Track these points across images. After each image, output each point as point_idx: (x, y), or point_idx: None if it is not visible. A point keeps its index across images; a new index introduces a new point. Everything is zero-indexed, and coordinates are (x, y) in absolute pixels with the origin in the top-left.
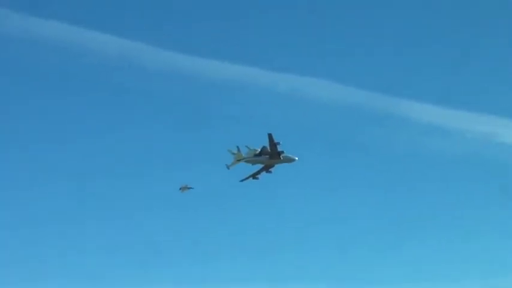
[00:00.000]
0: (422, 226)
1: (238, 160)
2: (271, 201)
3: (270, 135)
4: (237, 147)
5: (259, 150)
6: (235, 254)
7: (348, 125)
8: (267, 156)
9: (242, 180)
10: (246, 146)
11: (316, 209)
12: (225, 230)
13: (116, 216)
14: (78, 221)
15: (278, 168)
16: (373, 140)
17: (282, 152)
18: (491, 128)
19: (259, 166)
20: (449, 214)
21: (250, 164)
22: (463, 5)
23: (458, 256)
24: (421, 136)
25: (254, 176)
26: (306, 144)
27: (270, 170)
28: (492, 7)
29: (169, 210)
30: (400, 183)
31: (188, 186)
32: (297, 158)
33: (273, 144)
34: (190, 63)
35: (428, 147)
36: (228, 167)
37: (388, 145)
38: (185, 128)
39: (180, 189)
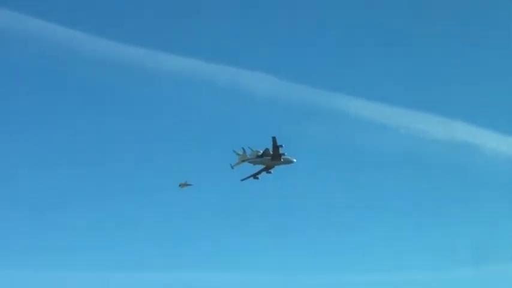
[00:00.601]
0: (359, 219)
1: (243, 161)
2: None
3: (274, 138)
4: (243, 148)
5: (261, 152)
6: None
7: (287, 119)
8: (269, 157)
9: (243, 180)
10: (250, 148)
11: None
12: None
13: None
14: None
15: (277, 169)
16: (313, 135)
17: (283, 154)
18: (425, 126)
19: (261, 167)
20: (383, 207)
21: (252, 164)
22: (398, 3)
23: (395, 247)
24: (358, 131)
25: (255, 175)
26: (245, 139)
27: (270, 170)
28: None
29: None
30: (339, 177)
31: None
32: (295, 160)
33: (275, 147)
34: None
35: (365, 142)
36: (232, 167)
37: (327, 140)
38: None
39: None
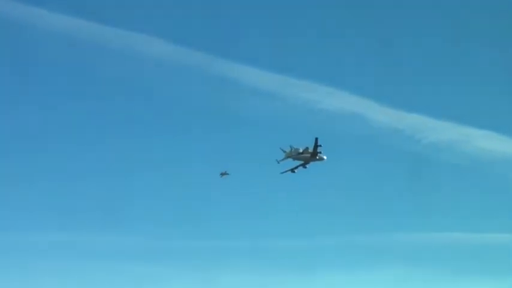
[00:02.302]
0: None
1: (288, 157)
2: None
3: (316, 139)
4: (290, 146)
5: (301, 149)
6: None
7: (181, 84)
8: (308, 155)
9: (282, 173)
10: (291, 146)
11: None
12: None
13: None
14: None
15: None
16: (200, 98)
17: (320, 152)
18: (314, 95)
19: (298, 162)
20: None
21: (292, 160)
22: None
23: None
24: (251, 99)
25: (293, 170)
26: (140, 102)
27: (306, 166)
28: None
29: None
30: (234, 145)
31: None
32: (325, 158)
33: (316, 146)
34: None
35: (256, 110)
36: (278, 162)
37: (221, 107)
38: None
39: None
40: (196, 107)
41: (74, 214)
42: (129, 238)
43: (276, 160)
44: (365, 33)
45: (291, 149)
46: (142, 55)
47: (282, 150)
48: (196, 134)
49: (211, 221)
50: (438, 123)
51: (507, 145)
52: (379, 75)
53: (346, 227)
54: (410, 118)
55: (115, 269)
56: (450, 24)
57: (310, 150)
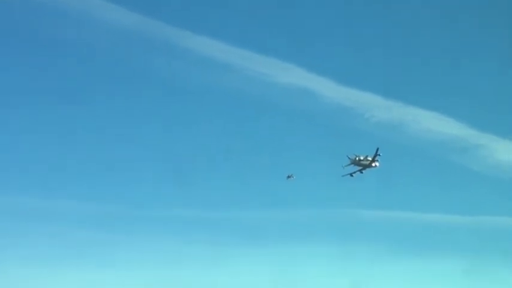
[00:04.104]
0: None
1: (353, 163)
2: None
3: (377, 149)
4: (355, 154)
5: (362, 157)
6: None
7: (127, 49)
8: (367, 162)
9: (343, 176)
10: (355, 154)
11: None
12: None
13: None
14: None
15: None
16: (158, 68)
17: (377, 160)
18: (270, 70)
19: (358, 168)
20: (221, 148)
21: (353, 166)
22: None
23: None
24: (198, 68)
25: (352, 174)
26: (81, 65)
27: (362, 171)
28: None
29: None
30: (185, 113)
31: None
32: (378, 165)
33: (376, 155)
34: None
35: (209, 81)
36: (343, 167)
37: (167, 74)
38: None
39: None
40: (149, 76)
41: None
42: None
43: (342, 166)
44: (325, 13)
45: (355, 156)
46: (98, 21)
47: (348, 157)
48: (149, 102)
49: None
50: (387, 102)
51: (452, 126)
52: (335, 54)
53: (293, 203)
54: (361, 96)
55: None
56: (404, 7)
57: (370, 158)
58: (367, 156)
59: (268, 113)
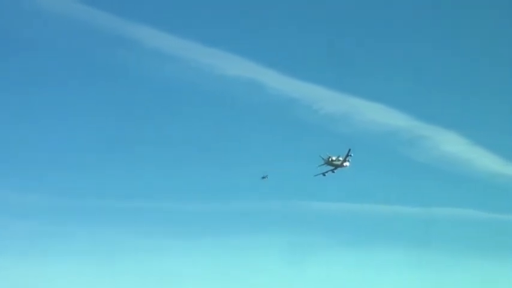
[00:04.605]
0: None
1: (326, 163)
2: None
3: (349, 150)
4: (328, 155)
5: (334, 158)
6: None
7: (74, 40)
8: (339, 162)
9: (316, 175)
10: (328, 154)
11: None
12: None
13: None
14: None
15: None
16: (99, 59)
17: (348, 160)
18: (217, 62)
19: (331, 168)
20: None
21: (325, 165)
22: None
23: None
24: (146, 60)
25: (324, 173)
26: (31, 54)
27: (334, 171)
28: None
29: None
30: (128, 105)
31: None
32: (348, 165)
33: (347, 155)
34: None
35: (157, 72)
36: (317, 167)
37: (113, 65)
38: None
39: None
40: (96, 67)
41: None
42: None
43: (318, 166)
44: (273, 4)
45: (328, 157)
46: (47, 12)
47: (321, 157)
48: (94, 92)
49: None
50: (334, 94)
51: (397, 118)
52: (283, 46)
53: (243, 194)
54: (309, 88)
55: None
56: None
57: (341, 158)
58: (338, 157)
59: (215, 104)
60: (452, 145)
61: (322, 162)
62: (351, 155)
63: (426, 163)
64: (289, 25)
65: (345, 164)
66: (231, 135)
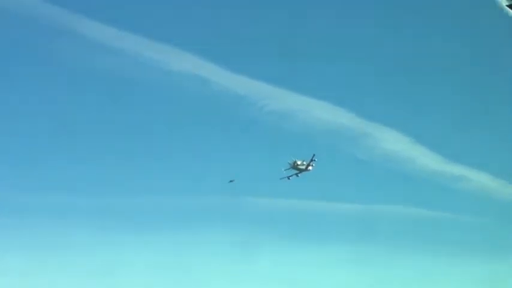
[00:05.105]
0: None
1: (292, 167)
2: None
3: (313, 155)
4: (294, 160)
5: (299, 162)
6: None
7: (17, 32)
8: (304, 167)
9: (281, 178)
10: (294, 159)
11: None
12: None
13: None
14: None
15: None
16: (44, 51)
17: (312, 165)
18: (164, 56)
19: (295, 172)
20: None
21: (291, 169)
22: None
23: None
24: (90, 53)
25: (289, 177)
26: None
27: (298, 175)
28: None
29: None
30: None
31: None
32: (311, 169)
33: (311, 160)
34: None
35: (95, 65)
36: (284, 170)
37: (58, 58)
38: None
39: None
40: (40, 60)
41: None
42: None
43: (283, 169)
44: (221, 1)
45: (294, 162)
46: None
47: (288, 162)
48: (35, 84)
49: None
50: (280, 91)
51: (340, 115)
52: (229, 42)
53: (190, 189)
54: (255, 85)
55: None
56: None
57: (305, 163)
58: (303, 161)
59: (161, 100)
60: (394, 143)
61: (289, 166)
62: (314, 160)
63: (368, 161)
64: (237, 21)
65: (309, 168)
66: (175, 130)
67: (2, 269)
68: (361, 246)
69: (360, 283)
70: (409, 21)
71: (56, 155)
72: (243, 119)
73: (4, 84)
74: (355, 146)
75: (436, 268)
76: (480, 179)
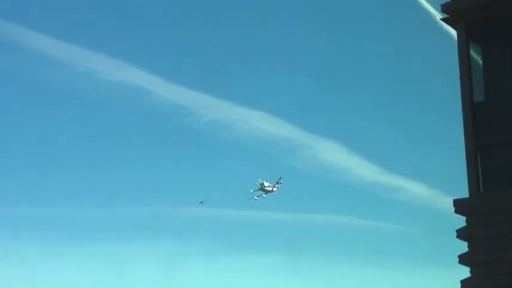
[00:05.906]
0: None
1: (260, 189)
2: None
3: (280, 177)
4: (262, 181)
5: (266, 184)
6: None
7: None
8: (270, 188)
9: (249, 199)
10: (262, 180)
11: None
12: None
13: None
14: None
15: None
16: None
17: (277, 187)
18: (99, 65)
19: (262, 192)
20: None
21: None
22: None
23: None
24: (26, 63)
25: (256, 198)
26: None
27: (264, 196)
28: None
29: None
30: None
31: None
32: (276, 190)
33: (277, 182)
34: None
35: (31, 74)
36: (252, 192)
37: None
38: None
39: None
40: None
41: None
42: None
43: (251, 190)
44: (158, 12)
45: (262, 183)
46: None
47: (256, 184)
48: None
49: None
50: (219, 102)
51: (279, 126)
52: (167, 52)
53: (126, 200)
54: (193, 96)
55: None
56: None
57: (272, 185)
58: (270, 183)
59: (100, 110)
60: (331, 154)
61: (257, 187)
62: (281, 182)
63: (306, 171)
64: (176, 32)
65: (274, 189)
66: (112, 141)
67: None
68: (296, 255)
69: None
70: (347, 32)
71: None
72: (181, 129)
73: None
74: (293, 156)
75: (372, 276)
76: (416, 189)
